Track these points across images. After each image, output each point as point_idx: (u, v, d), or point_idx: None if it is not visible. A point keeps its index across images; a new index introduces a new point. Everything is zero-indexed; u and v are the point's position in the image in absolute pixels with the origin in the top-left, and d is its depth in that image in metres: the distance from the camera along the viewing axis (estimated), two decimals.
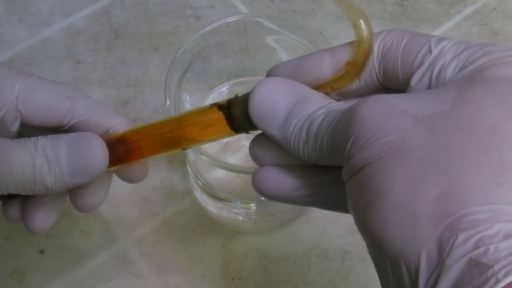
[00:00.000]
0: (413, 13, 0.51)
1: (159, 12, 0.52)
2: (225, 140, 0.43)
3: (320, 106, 0.24)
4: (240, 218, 0.41)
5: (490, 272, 0.19)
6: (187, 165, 0.41)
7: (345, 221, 0.43)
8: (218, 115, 0.27)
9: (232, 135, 0.27)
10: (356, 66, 0.25)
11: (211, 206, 0.41)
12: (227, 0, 0.52)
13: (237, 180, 0.40)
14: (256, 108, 0.25)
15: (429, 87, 0.24)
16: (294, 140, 0.24)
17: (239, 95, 0.26)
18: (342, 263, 0.41)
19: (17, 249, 0.41)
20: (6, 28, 0.51)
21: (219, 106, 0.27)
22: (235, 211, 0.40)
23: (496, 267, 0.19)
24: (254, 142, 0.27)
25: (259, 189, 0.27)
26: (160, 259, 0.41)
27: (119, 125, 0.29)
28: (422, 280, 0.20)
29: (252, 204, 0.40)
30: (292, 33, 0.37)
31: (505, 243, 0.19)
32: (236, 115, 0.26)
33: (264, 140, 0.26)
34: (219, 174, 0.40)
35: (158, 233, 0.42)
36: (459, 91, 0.22)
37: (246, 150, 0.43)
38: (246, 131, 0.27)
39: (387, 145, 0.21)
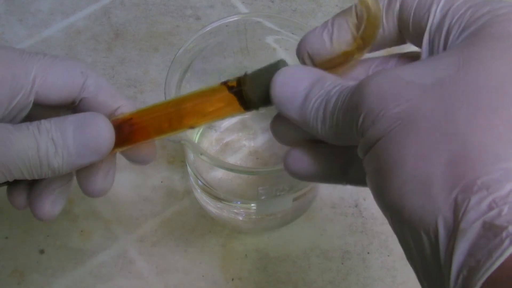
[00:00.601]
0: None
1: (159, 12, 0.52)
2: (225, 140, 0.43)
3: (335, 85, 0.24)
4: (240, 218, 0.41)
5: (504, 234, 0.19)
6: (187, 165, 0.41)
7: (345, 221, 0.43)
8: (228, 94, 0.27)
9: (242, 113, 0.28)
10: (365, 41, 0.25)
11: (211, 206, 0.41)
12: (227, 0, 0.52)
13: (237, 180, 0.40)
14: (277, 93, 0.25)
15: (439, 49, 0.24)
16: (312, 120, 0.25)
17: (248, 72, 0.27)
18: (342, 263, 0.41)
19: (17, 249, 0.41)
20: (6, 28, 0.51)
21: (228, 85, 0.27)
22: (235, 211, 0.40)
23: (510, 228, 0.19)
24: (275, 121, 0.28)
25: (290, 171, 0.28)
26: (160, 259, 0.41)
27: (125, 107, 0.29)
28: (442, 246, 0.20)
29: (252, 204, 0.40)
30: (292, 33, 0.37)
31: None
32: (247, 93, 0.26)
33: (284, 118, 0.27)
34: (219, 174, 0.40)
35: (158, 233, 0.42)
36: (463, 53, 0.22)
37: (246, 150, 0.43)
38: (257, 108, 0.27)
39: (396, 117, 0.22)
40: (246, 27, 0.38)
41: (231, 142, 0.43)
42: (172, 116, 0.28)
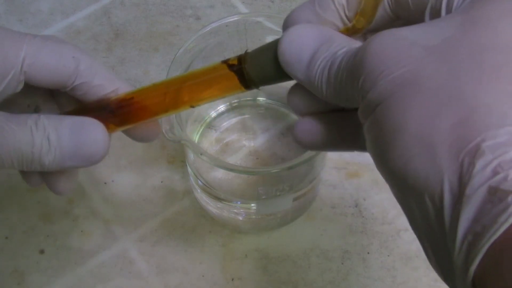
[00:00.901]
0: None
1: (159, 12, 0.52)
2: (225, 140, 0.43)
3: (342, 46, 0.24)
4: (240, 218, 0.41)
5: (510, 199, 0.18)
6: (187, 165, 0.41)
7: (345, 221, 0.43)
8: (228, 72, 0.27)
9: (243, 91, 0.28)
10: (365, 17, 0.25)
11: (211, 206, 0.41)
12: (227, 0, 0.52)
13: (237, 180, 0.40)
14: (284, 51, 0.25)
15: (442, 15, 0.23)
16: (318, 81, 0.24)
17: (249, 51, 0.27)
18: (342, 263, 0.41)
19: (17, 249, 0.41)
20: None
21: (229, 64, 0.27)
22: (235, 211, 0.40)
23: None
24: (291, 90, 0.28)
25: (300, 140, 0.27)
26: (160, 259, 0.41)
27: (123, 90, 0.29)
28: (447, 212, 0.20)
29: (252, 204, 0.40)
30: None
31: None
32: (247, 71, 0.26)
33: (299, 89, 0.27)
34: (219, 174, 0.40)
35: (158, 233, 0.42)
36: (469, 14, 0.21)
37: (246, 150, 0.43)
38: (257, 87, 0.27)
39: (399, 79, 0.21)
40: (246, 27, 0.38)
41: (231, 142, 0.43)
42: (173, 95, 0.28)
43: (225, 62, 0.27)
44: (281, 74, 0.26)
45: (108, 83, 0.29)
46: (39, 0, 0.52)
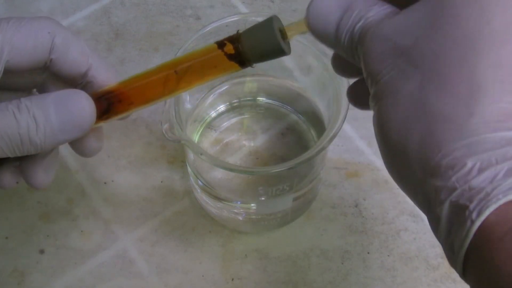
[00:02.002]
0: None
1: (159, 12, 0.51)
2: (225, 140, 0.43)
3: (359, 18, 0.24)
4: (240, 218, 0.41)
5: (466, 213, 0.19)
6: (187, 165, 0.41)
7: (345, 221, 0.43)
8: (221, 53, 0.28)
9: (238, 69, 0.28)
10: None
11: (211, 206, 0.41)
12: (227, 0, 0.52)
13: (237, 180, 0.40)
14: (312, 26, 0.26)
15: None
16: (347, 53, 0.25)
17: (241, 31, 0.28)
18: (342, 263, 0.41)
19: (17, 249, 0.41)
20: None
21: (222, 43, 0.28)
22: (235, 211, 0.40)
23: (471, 206, 0.19)
24: (335, 55, 0.29)
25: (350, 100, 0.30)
26: (160, 259, 0.41)
27: (97, 66, 0.29)
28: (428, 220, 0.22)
29: (252, 204, 0.40)
30: None
31: (478, 178, 0.20)
32: (242, 49, 0.27)
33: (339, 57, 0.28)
34: (219, 174, 0.40)
35: (158, 233, 0.42)
36: (436, 3, 0.22)
37: (246, 150, 0.43)
38: (251, 65, 0.28)
39: (384, 87, 0.23)
40: (246, 27, 0.38)
41: (231, 142, 0.43)
42: (169, 77, 0.29)
43: (218, 43, 0.28)
44: (274, 50, 0.27)
45: (83, 58, 0.29)
46: (39, 0, 0.52)
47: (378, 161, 0.45)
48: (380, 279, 0.41)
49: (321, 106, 0.41)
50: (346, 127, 0.46)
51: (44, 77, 0.30)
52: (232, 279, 0.41)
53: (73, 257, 0.41)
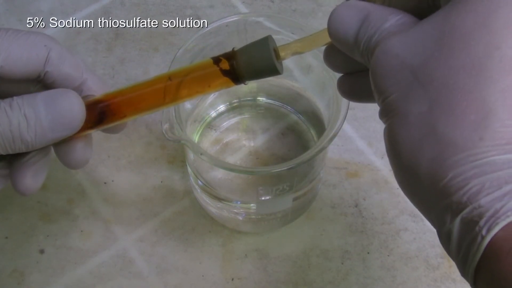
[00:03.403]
0: None
1: (159, 12, 0.51)
2: (225, 140, 0.43)
3: (375, 30, 0.25)
4: (240, 218, 0.41)
5: (477, 229, 0.21)
6: (187, 165, 0.41)
7: (345, 221, 0.43)
8: (216, 69, 0.28)
9: (230, 86, 0.29)
10: None
11: (211, 206, 0.41)
12: (227, 0, 0.52)
13: (237, 180, 0.40)
14: (332, 35, 0.26)
15: None
16: (365, 62, 0.26)
17: (236, 49, 0.28)
18: (342, 263, 0.41)
19: (17, 249, 0.41)
20: None
21: (216, 60, 0.29)
22: (235, 211, 0.40)
23: (481, 223, 0.20)
24: (326, 51, 0.29)
25: (341, 91, 0.30)
26: (160, 259, 0.41)
27: (91, 80, 0.30)
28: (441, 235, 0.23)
29: (252, 204, 0.40)
30: (292, 33, 0.37)
31: (488, 197, 0.21)
32: (237, 66, 0.28)
33: (335, 51, 0.28)
34: (219, 174, 0.40)
35: (158, 233, 0.42)
36: (447, 21, 0.22)
37: (246, 150, 0.43)
38: (244, 82, 0.29)
39: (392, 105, 0.23)
40: (246, 27, 0.38)
41: (231, 142, 0.43)
42: (166, 89, 0.29)
43: (213, 58, 0.29)
44: (268, 69, 0.28)
45: (77, 72, 0.30)
46: (39, 0, 0.52)
47: (378, 161, 0.45)
48: (380, 279, 0.41)
49: (321, 106, 0.41)
50: (346, 127, 0.46)
51: (38, 89, 0.31)
52: (232, 279, 0.41)
53: (73, 257, 0.41)
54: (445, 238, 0.22)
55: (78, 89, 0.30)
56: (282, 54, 0.28)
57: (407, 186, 0.24)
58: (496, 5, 0.21)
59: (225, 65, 0.28)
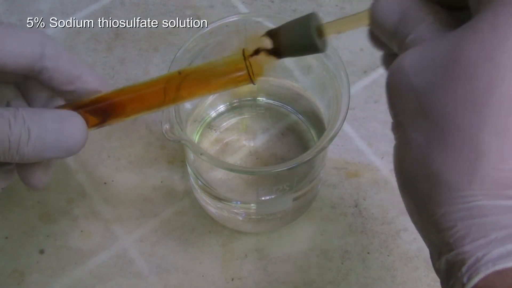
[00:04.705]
0: None
1: (159, 12, 0.51)
2: (225, 140, 0.43)
3: (412, 30, 0.24)
4: (240, 218, 0.41)
5: (459, 274, 0.21)
6: (187, 165, 0.41)
7: (345, 221, 0.43)
8: (239, 64, 0.29)
9: (248, 83, 0.30)
10: None
11: (211, 206, 0.41)
12: (227, 0, 0.52)
13: (237, 180, 0.40)
14: (375, 25, 0.25)
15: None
16: (399, 50, 0.25)
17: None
18: (342, 263, 0.41)
19: (17, 249, 0.41)
20: None
21: (246, 52, 0.29)
22: (235, 211, 0.40)
23: (463, 269, 0.21)
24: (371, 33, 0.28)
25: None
26: (160, 259, 0.41)
27: (87, 75, 0.30)
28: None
29: (252, 204, 0.40)
30: None
31: (472, 244, 0.21)
32: (282, 41, 0.28)
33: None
34: (219, 174, 0.40)
35: (158, 233, 0.42)
36: (456, 47, 0.21)
37: (246, 150, 0.43)
38: (289, 56, 0.29)
39: (398, 127, 0.23)
40: (246, 27, 0.38)
41: (231, 142, 0.43)
42: (175, 85, 0.30)
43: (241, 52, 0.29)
44: (309, 46, 0.28)
45: (73, 68, 0.29)
46: (39, 0, 0.52)
47: (378, 161, 0.45)
48: (380, 279, 0.41)
49: (321, 106, 0.41)
50: (346, 127, 0.46)
51: (32, 95, 0.31)
52: (232, 279, 0.41)
53: (73, 257, 0.41)
54: (436, 269, 0.23)
55: (74, 84, 0.30)
56: (326, 31, 0.28)
57: (407, 206, 0.24)
58: (504, 36, 0.20)
59: (262, 46, 0.28)
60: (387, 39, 0.25)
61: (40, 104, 0.31)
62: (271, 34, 0.29)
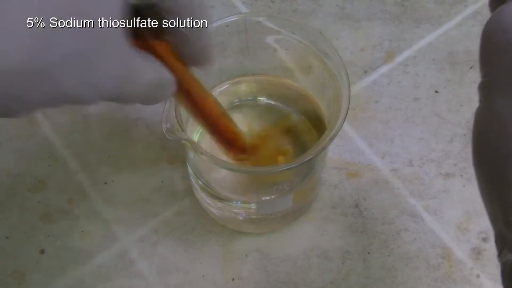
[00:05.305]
0: (414, 13, 0.51)
1: None
2: None
3: None
4: (240, 218, 0.41)
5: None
6: (188, 165, 0.41)
7: (346, 221, 0.43)
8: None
9: None
10: None
11: (212, 206, 0.41)
12: (227, 0, 0.52)
13: (237, 180, 0.40)
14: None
15: None
16: None
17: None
18: (342, 263, 0.41)
19: (17, 249, 0.41)
20: None
21: None
22: (236, 211, 0.40)
23: None
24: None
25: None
26: (161, 259, 0.41)
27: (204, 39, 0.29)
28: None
29: (252, 204, 0.40)
30: (293, 33, 0.37)
31: None
32: None
33: None
34: (219, 174, 0.40)
35: (159, 233, 0.42)
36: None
37: None
38: None
39: (485, 89, 0.21)
40: (247, 27, 0.38)
41: None
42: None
43: None
44: None
45: (198, 13, 0.27)
46: None
47: (378, 161, 0.45)
48: (381, 279, 0.41)
49: (322, 106, 0.41)
50: (347, 127, 0.46)
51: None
52: (233, 279, 0.41)
53: (73, 257, 0.41)
54: (497, 245, 0.20)
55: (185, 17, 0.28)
56: None
57: (479, 183, 0.21)
58: None
59: None
60: None
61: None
62: None
